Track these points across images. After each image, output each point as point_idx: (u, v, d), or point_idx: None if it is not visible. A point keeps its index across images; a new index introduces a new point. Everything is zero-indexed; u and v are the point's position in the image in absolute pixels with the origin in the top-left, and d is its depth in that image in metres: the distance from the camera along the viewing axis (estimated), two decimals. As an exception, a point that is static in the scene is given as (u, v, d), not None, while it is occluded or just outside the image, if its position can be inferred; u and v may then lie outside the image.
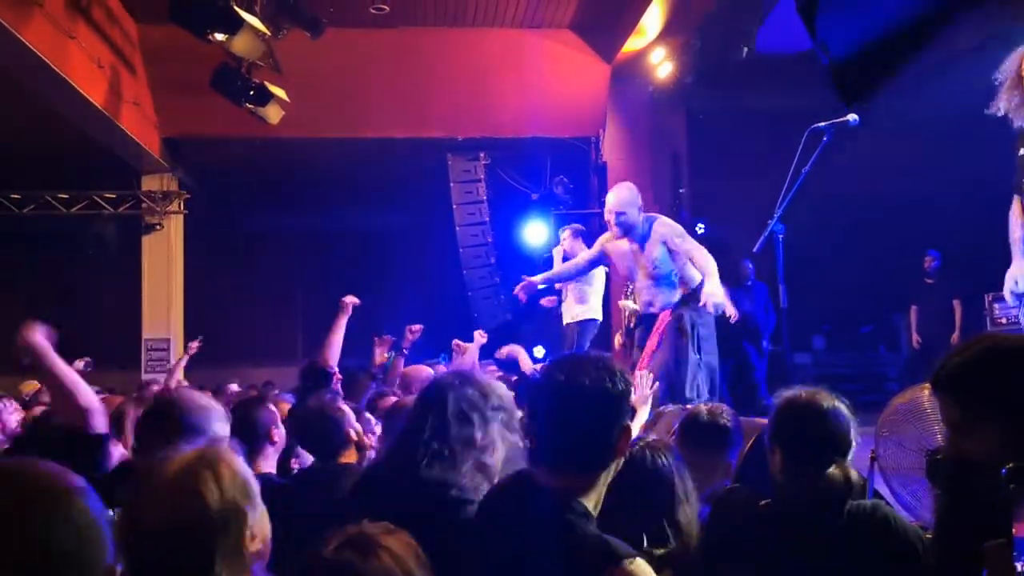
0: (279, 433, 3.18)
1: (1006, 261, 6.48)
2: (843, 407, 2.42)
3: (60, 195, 10.44)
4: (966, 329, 8.63)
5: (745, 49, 8.11)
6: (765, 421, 3.56)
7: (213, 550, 1.54)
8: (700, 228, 10.28)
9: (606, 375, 1.89)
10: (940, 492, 1.98)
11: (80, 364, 7.46)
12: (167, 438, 2.28)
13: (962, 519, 1.52)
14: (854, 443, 2.42)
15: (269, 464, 3.17)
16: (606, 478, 1.92)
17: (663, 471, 2.39)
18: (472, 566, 1.91)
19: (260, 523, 1.66)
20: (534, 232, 10.00)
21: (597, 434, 1.87)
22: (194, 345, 7.60)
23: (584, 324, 7.89)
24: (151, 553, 1.53)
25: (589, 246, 8.28)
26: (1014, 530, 1.01)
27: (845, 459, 2.39)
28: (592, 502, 1.88)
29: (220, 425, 2.55)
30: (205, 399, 2.66)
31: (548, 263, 8.34)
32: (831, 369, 10.27)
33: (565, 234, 8.02)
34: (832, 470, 2.32)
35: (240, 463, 1.70)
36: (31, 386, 7.10)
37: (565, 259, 7.85)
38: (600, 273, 7.97)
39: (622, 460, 1.95)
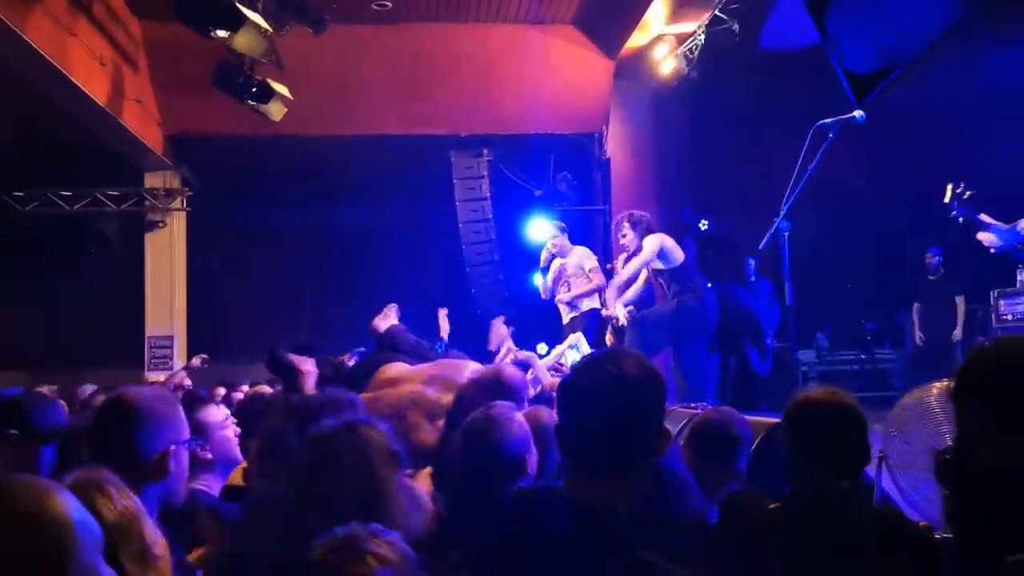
0: (209, 448, 2.91)
1: (1008, 258, 6.47)
2: (858, 408, 2.40)
3: (63, 192, 10.43)
4: (969, 326, 8.62)
5: (737, 31, 8.04)
6: (769, 419, 3.56)
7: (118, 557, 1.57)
8: (704, 224, 10.28)
9: (642, 374, 1.83)
10: (951, 493, 1.96)
11: (197, 361, 7.42)
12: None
13: (982, 522, 1.49)
14: (869, 445, 2.40)
15: (210, 480, 2.91)
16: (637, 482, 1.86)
17: None
18: None
19: (157, 532, 1.70)
20: (537, 229, 9.97)
21: (630, 429, 1.80)
22: (196, 361, 7.54)
23: (589, 315, 7.87)
24: None
25: (586, 244, 8.29)
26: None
27: (861, 462, 2.38)
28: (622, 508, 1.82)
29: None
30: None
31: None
32: (835, 366, 10.24)
33: (551, 231, 8.01)
34: (839, 472, 2.31)
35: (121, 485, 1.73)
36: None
37: (553, 257, 7.85)
38: (594, 265, 7.93)
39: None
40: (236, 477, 3.09)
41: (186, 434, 2.30)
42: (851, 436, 2.37)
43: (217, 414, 3.10)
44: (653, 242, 6.43)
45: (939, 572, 2.13)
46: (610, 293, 6.29)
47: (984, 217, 5.44)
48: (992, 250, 5.04)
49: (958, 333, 8.68)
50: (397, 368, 4.37)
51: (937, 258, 9.00)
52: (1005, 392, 1.61)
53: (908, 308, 9.47)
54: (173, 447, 2.20)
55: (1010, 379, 1.62)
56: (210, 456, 2.96)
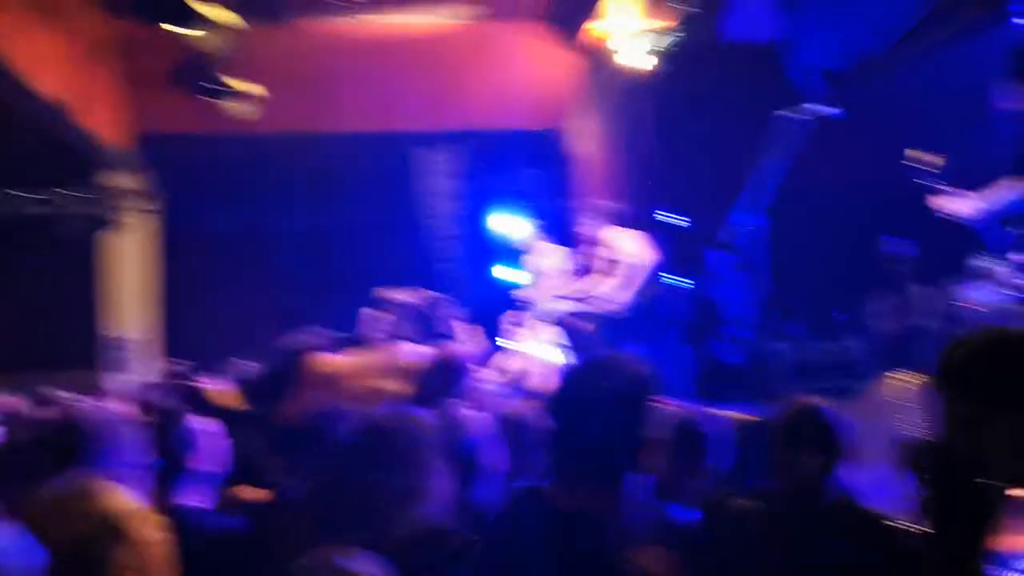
0: (199, 458, 2.88)
1: (971, 247, 6.56)
2: (838, 416, 2.46)
3: (26, 193, 10.25)
4: (934, 315, 8.73)
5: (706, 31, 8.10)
6: (739, 414, 3.59)
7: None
8: (672, 217, 10.30)
9: (630, 378, 1.86)
10: (930, 488, 1.97)
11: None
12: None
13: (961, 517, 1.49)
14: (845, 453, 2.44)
15: (189, 497, 2.83)
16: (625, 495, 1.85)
17: None
18: None
19: (137, 556, 1.62)
20: (504, 225, 9.96)
21: (617, 440, 1.80)
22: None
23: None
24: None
25: (561, 236, 8.30)
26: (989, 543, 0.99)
27: (837, 459, 2.42)
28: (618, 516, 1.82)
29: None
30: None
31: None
32: (807, 357, 10.31)
33: (527, 226, 8.01)
34: (808, 463, 2.34)
35: (110, 495, 1.67)
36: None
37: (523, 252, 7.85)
38: (566, 263, 7.94)
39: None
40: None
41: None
42: (827, 440, 2.41)
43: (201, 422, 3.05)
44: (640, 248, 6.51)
45: (905, 562, 2.15)
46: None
47: (945, 187, 5.49)
48: (964, 221, 5.06)
49: (924, 322, 8.80)
50: (331, 361, 4.23)
51: (902, 248, 9.12)
52: (988, 380, 1.62)
53: (875, 298, 9.58)
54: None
55: (993, 367, 1.63)
56: (198, 467, 2.90)
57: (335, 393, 3.91)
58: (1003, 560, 0.96)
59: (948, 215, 4.95)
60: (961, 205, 4.85)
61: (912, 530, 2.17)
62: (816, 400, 2.54)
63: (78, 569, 1.52)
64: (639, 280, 6.39)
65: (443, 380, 3.72)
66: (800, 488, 2.29)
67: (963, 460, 1.58)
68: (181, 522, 2.54)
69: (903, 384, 2.77)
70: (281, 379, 4.07)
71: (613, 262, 6.49)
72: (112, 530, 1.56)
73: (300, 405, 3.85)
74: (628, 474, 1.84)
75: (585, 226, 6.78)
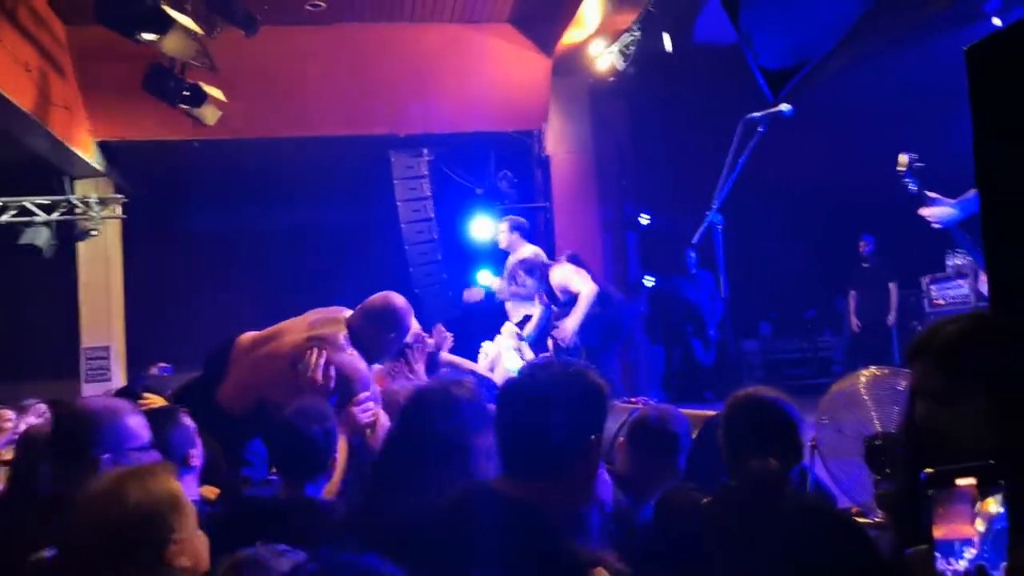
0: (197, 454, 2.97)
1: (939, 244, 6.64)
2: (791, 406, 2.46)
3: (-9, 203, 10.13)
4: (903, 311, 8.83)
5: (669, 40, 8.15)
6: (712, 412, 3.60)
7: (132, 556, 1.60)
8: (645, 219, 10.36)
9: (575, 379, 1.88)
10: (889, 480, 1.98)
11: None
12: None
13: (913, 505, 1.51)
14: (803, 442, 2.45)
15: (189, 490, 2.96)
16: (582, 486, 1.90)
17: None
18: None
19: (191, 542, 1.68)
20: (480, 227, 9.97)
21: (565, 438, 1.83)
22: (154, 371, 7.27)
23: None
24: (80, 553, 1.64)
25: (531, 241, 8.28)
26: (935, 533, 1.00)
27: (792, 456, 2.42)
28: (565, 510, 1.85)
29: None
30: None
31: (499, 255, 8.26)
32: (777, 355, 10.42)
33: (502, 227, 7.95)
34: (771, 462, 2.34)
35: (172, 480, 1.75)
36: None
37: (504, 254, 7.81)
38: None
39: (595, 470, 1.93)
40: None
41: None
42: (784, 431, 2.42)
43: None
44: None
45: (870, 557, 2.17)
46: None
47: (931, 193, 5.57)
48: (938, 225, 5.14)
49: (892, 318, 8.89)
50: (252, 334, 4.15)
51: (871, 246, 9.22)
52: (971, 357, 1.63)
53: (844, 295, 9.68)
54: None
55: (978, 346, 1.65)
56: (198, 463, 2.99)
57: (262, 361, 3.82)
58: (950, 548, 0.97)
59: (927, 220, 5.03)
60: (937, 211, 4.92)
61: (875, 524, 2.19)
62: (763, 391, 2.52)
63: (135, 548, 1.61)
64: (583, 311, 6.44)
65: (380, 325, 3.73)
66: (757, 483, 2.29)
67: (921, 449, 1.61)
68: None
69: (872, 378, 2.80)
70: (212, 366, 4.04)
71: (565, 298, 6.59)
72: (174, 510, 1.68)
73: (232, 385, 3.79)
74: (586, 472, 1.87)
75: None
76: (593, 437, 1.87)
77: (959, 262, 6.71)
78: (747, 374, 9.65)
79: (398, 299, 3.79)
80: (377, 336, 3.88)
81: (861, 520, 2.52)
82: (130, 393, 4.05)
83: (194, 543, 1.71)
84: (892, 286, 8.98)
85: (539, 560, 1.73)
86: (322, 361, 3.47)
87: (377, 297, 3.88)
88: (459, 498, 1.99)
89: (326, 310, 4.03)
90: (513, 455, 1.89)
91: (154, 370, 7.28)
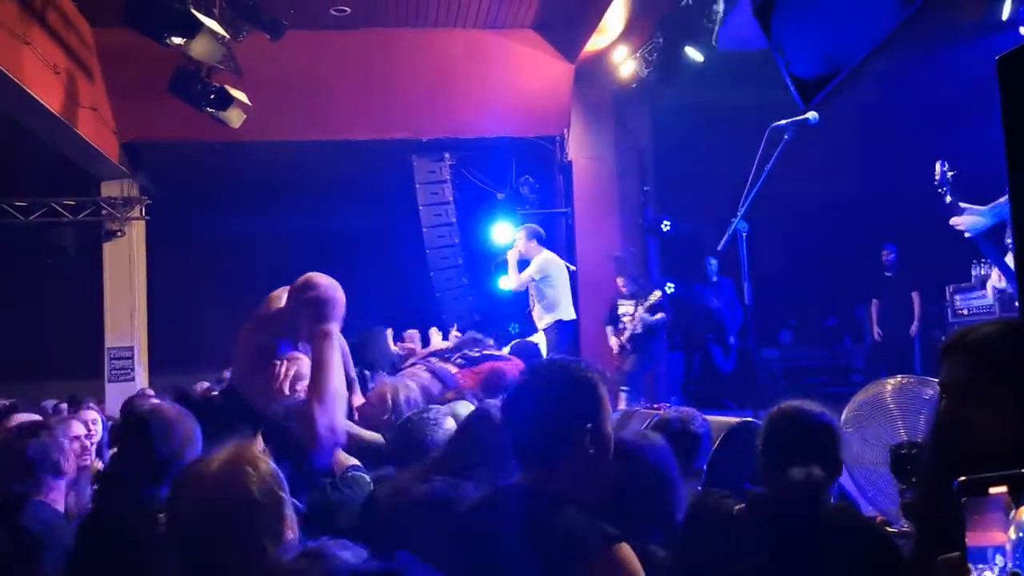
0: (68, 464, 3.13)
1: (965, 254, 6.60)
2: (834, 422, 2.47)
3: (18, 203, 10.25)
4: (925, 320, 8.77)
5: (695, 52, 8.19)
6: (734, 420, 3.60)
7: (258, 534, 1.67)
8: (666, 225, 10.35)
9: (577, 378, 1.99)
10: (915, 489, 1.98)
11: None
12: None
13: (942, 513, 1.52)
14: (842, 457, 2.46)
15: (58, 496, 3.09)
16: (587, 473, 1.97)
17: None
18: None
19: (292, 514, 1.78)
20: (501, 232, 9.99)
21: (564, 429, 1.94)
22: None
23: (562, 325, 7.85)
24: (200, 540, 1.70)
25: (551, 247, 8.31)
26: (968, 540, 1.01)
27: (833, 468, 2.43)
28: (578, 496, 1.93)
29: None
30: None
31: (503, 265, 8.34)
32: (798, 363, 10.37)
33: (519, 235, 7.99)
34: (813, 470, 2.34)
35: (269, 460, 1.83)
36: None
37: (521, 262, 7.84)
38: (561, 273, 7.95)
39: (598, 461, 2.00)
40: None
41: None
42: (824, 448, 2.43)
43: None
44: None
45: (896, 566, 2.16)
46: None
47: (962, 204, 5.56)
48: (968, 234, 5.13)
49: (915, 328, 8.83)
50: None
51: (893, 255, 9.16)
52: (1001, 357, 1.65)
53: (866, 303, 9.62)
54: None
55: (1008, 347, 1.67)
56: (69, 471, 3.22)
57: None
58: (983, 555, 0.98)
59: (957, 229, 5.02)
60: (968, 220, 4.91)
61: (901, 534, 2.18)
62: (808, 404, 2.53)
63: (265, 513, 1.69)
64: None
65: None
66: (791, 492, 2.29)
67: (948, 452, 1.61)
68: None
69: (898, 387, 2.79)
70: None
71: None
72: (274, 497, 1.73)
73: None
74: (589, 459, 1.96)
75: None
76: (589, 425, 1.96)
77: (984, 272, 6.66)
78: (767, 382, 9.60)
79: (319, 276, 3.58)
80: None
81: (888, 530, 2.51)
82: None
83: (293, 516, 1.77)
84: (915, 295, 8.91)
85: (561, 540, 1.81)
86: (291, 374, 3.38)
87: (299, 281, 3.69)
88: (488, 497, 2.11)
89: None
90: (522, 450, 2.01)
91: (203, 385, 7.19)
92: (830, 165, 9.11)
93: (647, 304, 8.38)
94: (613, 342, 8.57)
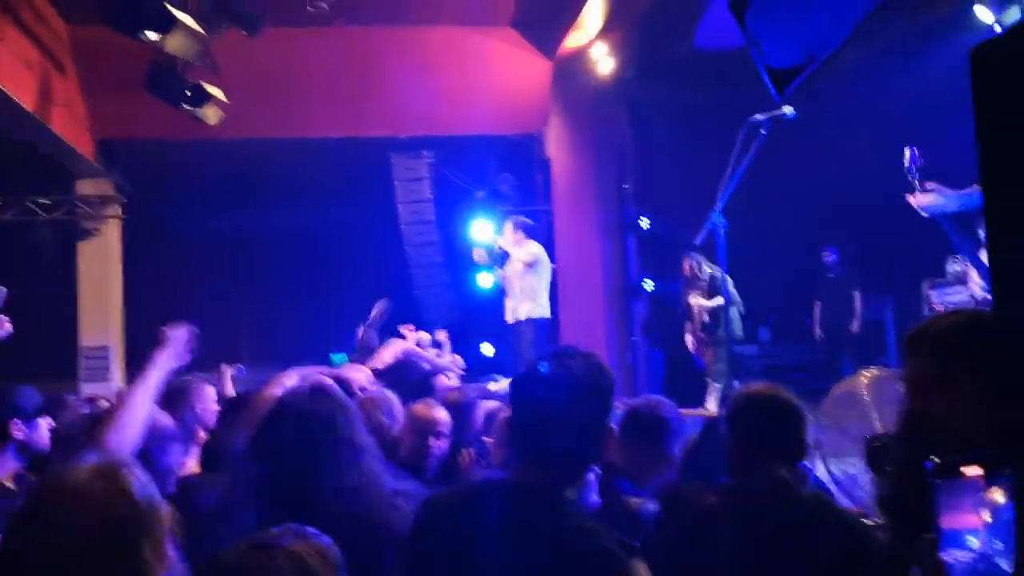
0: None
1: (939, 250, 6.63)
2: (799, 404, 2.46)
3: (-6, 202, 10.12)
4: (902, 316, 8.85)
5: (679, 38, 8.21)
6: (711, 412, 3.61)
7: (139, 547, 1.55)
8: (644, 222, 10.36)
9: (595, 369, 1.89)
10: (879, 477, 1.98)
11: (232, 370, 6.74)
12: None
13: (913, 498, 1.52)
14: (809, 441, 2.44)
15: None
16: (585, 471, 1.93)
17: None
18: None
19: (163, 544, 1.64)
20: (480, 230, 9.98)
21: (587, 427, 1.85)
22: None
23: (539, 323, 7.86)
24: (77, 556, 1.52)
25: (539, 240, 8.32)
26: (941, 523, 1.01)
27: (797, 454, 2.42)
28: (575, 497, 1.88)
29: None
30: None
31: (501, 257, 8.33)
32: (776, 360, 10.40)
33: (507, 227, 8.00)
34: (779, 463, 2.34)
35: (142, 476, 1.67)
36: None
37: (503, 255, 7.86)
38: (548, 267, 7.96)
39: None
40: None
41: None
42: (790, 429, 2.42)
43: None
44: None
45: (870, 557, 2.17)
46: None
47: (930, 184, 5.56)
48: (924, 214, 5.13)
49: (856, 326, 8.96)
50: None
51: (833, 255, 9.30)
52: (963, 345, 1.67)
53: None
54: None
55: (969, 335, 1.68)
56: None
57: None
58: (956, 538, 0.97)
59: (919, 209, 5.01)
60: (925, 198, 4.91)
61: (877, 525, 2.18)
62: (771, 388, 2.52)
63: (108, 550, 1.53)
64: None
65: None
66: (763, 482, 2.29)
67: (916, 442, 1.61)
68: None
69: (873, 379, 2.80)
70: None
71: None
72: (147, 515, 1.59)
73: None
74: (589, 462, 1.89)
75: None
76: (606, 426, 1.88)
77: (959, 268, 6.70)
78: (746, 378, 9.63)
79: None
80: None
81: (869, 521, 2.51)
82: None
83: (165, 542, 1.62)
84: (856, 294, 9.09)
85: (570, 546, 1.74)
86: None
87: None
88: (480, 490, 2.01)
89: None
90: (531, 446, 1.90)
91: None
92: (811, 160, 9.15)
93: (701, 289, 8.19)
94: (689, 339, 8.51)
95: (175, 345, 2.81)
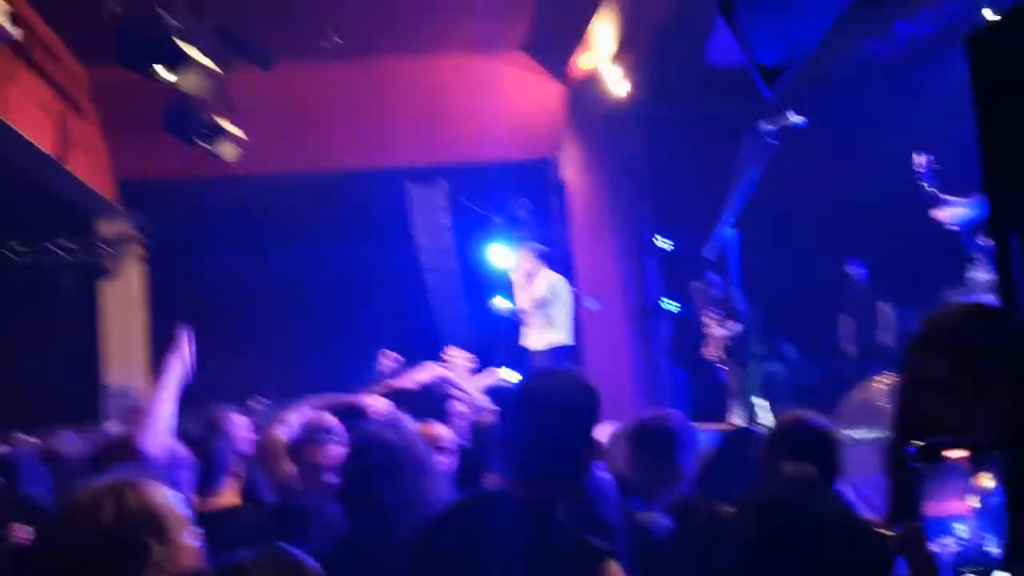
0: None
1: (952, 254, 6.52)
2: (835, 430, 2.49)
3: (13, 244, 10.25)
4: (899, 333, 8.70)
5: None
6: (731, 427, 3.55)
7: (146, 559, 1.60)
8: (664, 243, 10.27)
9: (580, 387, 1.98)
10: (894, 477, 1.93)
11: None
12: None
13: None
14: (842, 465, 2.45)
15: None
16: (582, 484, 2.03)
17: None
18: None
19: (174, 557, 1.64)
20: (498, 256, 9.96)
21: (570, 444, 1.92)
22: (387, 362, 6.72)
23: (558, 351, 7.78)
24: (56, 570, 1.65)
25: (556, 265, 8.28)
26: (925, 510, 0.95)
27: (832, 472, 2.40)
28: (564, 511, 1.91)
29: None
30: None
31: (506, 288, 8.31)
32: (803, 376, 10.24)
33: (524, 254, 7.97)
34: (796, 467, 2.31)
35: (156, 494, 1.68)
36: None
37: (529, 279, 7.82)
38: (567, 295, 7.89)
39: None
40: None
41: None
42: (826, 450, 2.42)
43: None
44: None
45: (889, 567, 2.10)
46: None
47: (945, 196, 5.51)
48: (953, 227, 5.07)
49: (890, 339, 8.80)
50: None
51: (859, 268, 9.17)
52: (966, 339, 1.62)
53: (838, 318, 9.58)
54: None
55: (972, 329, 1.64)
56: None
57: None
58: (942, 525, 0.91)
59: (942, 222, 4.97)
60: (951, 212, 4.86)
61: (888, 531, 2.13)
62: (809, 414, 2.53)
63: (118, 558, 1.60)
64: None
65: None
66: (784, 489, 2.25)
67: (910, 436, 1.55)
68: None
69: (878, 388, 2.73)
70: None
71: None
72: (153, 525, 1.65)
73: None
74: (588, 474, 1.93)
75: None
76: (591, 441, 1.95)
77: (982, 276, 6.58)
78: (773, 396, 9.50)
79: None
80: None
81: (884, 532, 2.46)
82: None
83: (179, 559, 1.66)
84: (885, 307, 8.94)
85: (553, 556, 1.79)
86: None
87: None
88: (472, 504, 2.04)
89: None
90: (522, 460, 1.95)
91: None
92: (827, 170, 9.06)
93: (716, 315, 7.96)
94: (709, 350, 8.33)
95: (182, 349, 3.12)
